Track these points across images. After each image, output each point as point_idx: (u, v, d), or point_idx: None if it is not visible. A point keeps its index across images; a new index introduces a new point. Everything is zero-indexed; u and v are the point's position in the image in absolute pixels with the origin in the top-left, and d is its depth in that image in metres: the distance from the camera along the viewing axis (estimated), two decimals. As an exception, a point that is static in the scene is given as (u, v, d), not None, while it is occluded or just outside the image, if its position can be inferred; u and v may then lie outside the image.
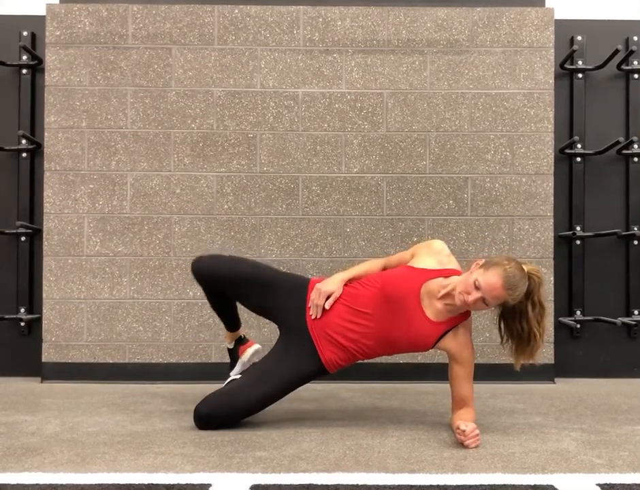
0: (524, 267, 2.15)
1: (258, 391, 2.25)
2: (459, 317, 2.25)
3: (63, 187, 3.26)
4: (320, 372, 2.33)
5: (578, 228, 3.42)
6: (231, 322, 2.57)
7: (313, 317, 2.28)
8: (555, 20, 3.34)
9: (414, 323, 2.22)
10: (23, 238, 3.37)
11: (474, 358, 2.29)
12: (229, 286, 2.39)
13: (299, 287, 2.36)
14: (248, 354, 2.57)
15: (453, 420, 2.20)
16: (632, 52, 3.36)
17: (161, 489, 1.64)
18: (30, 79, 3.39)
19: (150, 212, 3.28)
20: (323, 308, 2.27)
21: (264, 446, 2.04)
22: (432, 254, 2.30)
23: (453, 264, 2.31)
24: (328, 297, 2.28)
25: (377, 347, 2.28)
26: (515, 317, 2.18)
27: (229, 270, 2.37)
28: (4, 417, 2.44)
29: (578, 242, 3.43)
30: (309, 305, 2.30)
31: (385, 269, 2.42)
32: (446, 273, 2.26)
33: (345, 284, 2.33)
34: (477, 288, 2.09)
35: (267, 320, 3.15)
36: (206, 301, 2.51)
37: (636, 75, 3.47)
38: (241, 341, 2.60)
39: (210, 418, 2.24)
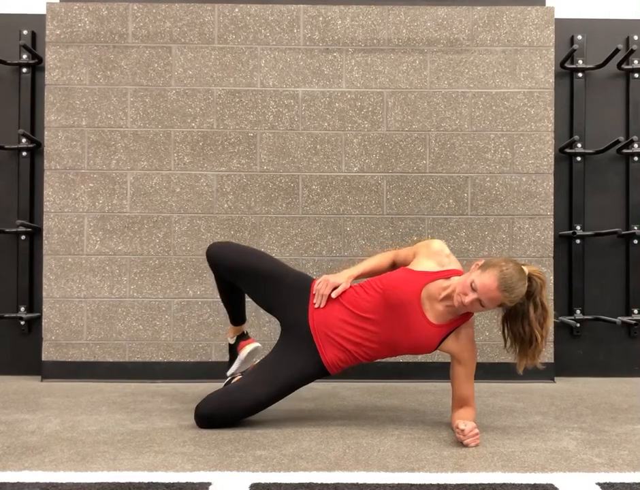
0: (525, 268, 2.12)
1: (259, 392, 2.25)
2: (460, 318, 2.24)
3: (63, 186, 3.26)
4: (321, 374, 2.33)
5: (578, 227, 3.42)
6: (237, 315, 2.58)
7: (316, 306, 2.28)
8: (556, 19, 3.34)
9: (416, 327, 2.21)
10: (23, 237, 3.37)
11: (476, 358, 2.29)
12: (234, 274, 2.40)
13: (302, 288, 2.35)
14: (247, 351, 2.57)
15: (453, 419, 2.21)
16: (632, 51, 3.35)
17: (161, 488, 1.64)
18: (31, 78, 3.39)
19: (150, 211, 3.28)
20: (328, 299, 2.28)
21: (264, 445, 2.05)
22: (431, 256, 2.29)
23: (453, 264, 2.29)
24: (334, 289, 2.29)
25: (381, 350, 2.28)
26: (517, 319, 2.16)
27: (235, 259, 2.39)
28: (4, 416, 2.44)
29: (578, 241, 3.43)
30: (312, 302, 2.30)
31: (394, 263, 2.43)
32: (447, 275, 2.25)
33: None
34: (473, 289, 2.08)
35: (268, 319, 3.19)
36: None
37: (636, 75, 3.47)
38: (242, 337, 2.61)
39: (211, 417, 2.24)
